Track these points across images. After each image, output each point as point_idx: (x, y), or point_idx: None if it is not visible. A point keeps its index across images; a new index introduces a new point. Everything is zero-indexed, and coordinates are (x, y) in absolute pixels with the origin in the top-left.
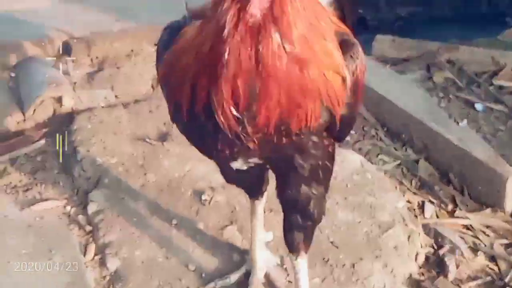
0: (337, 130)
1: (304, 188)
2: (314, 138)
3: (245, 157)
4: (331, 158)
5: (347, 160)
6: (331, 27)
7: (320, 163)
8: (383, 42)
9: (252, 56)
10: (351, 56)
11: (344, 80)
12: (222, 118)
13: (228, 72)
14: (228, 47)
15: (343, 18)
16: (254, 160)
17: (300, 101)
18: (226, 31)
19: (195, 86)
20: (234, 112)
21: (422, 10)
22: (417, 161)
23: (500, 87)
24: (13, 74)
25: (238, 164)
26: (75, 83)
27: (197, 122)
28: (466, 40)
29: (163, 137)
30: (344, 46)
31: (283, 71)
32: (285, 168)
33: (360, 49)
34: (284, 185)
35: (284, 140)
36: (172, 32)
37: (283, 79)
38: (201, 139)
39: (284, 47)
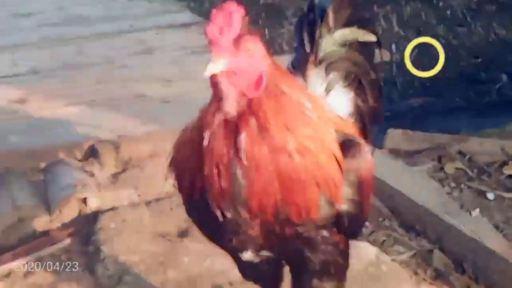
0: (346, 227)
1: (316, 283)
2: (324, 233)
3: (254, 249)
4: (344, 254)
5: (362, 252)
6: (327, 121)
7: (331, 258)
8: (395, 135)
9: (230, 146)
10: (354, 155)
11: (341, 167)
12: (214, 205)
13: (208, 161)
14: (207, 140)
15: (363, 130)
16: (265, 253)
17: (293, 189)
18: (205, 125)
19: (193, 176)
20: (221, 199)
21: (435, 101)
22: (431, 251)
23: (511, 176)
24: (42, 177)
25: (248, 256)
26: (100, 184)
27: (204, 213)
28: (478, 129)
29: (183, 234)
30: (347, 144)
31: (264, 160)
32: (296, 262)
33: (365, 148)
34: (296, 280)
35: (287, 230)
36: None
37: (265, 167)
38: (211, 230)
39: (263, 137)
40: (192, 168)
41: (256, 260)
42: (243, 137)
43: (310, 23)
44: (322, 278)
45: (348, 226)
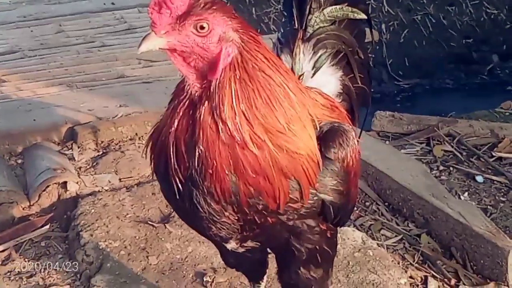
0: (332, 216)
1: (303, 271)
2: (309, 222)
3: (238, 239)
4: (331, 243)
5: (348, 238)
6: (308, 103)
7: (317, 247)
8: (383, 118)
9: (189, 126)
10: (341, 144)
11: (312, 152)
12: (174, 185)
13: (169, 139)
14: (169, 119)
15: (351, 111)
16: (250, 243)
17: (255, 177)
18: (171, 105)
19: (160, 154)
20: (178, 179)
21: (424, 82)
22: (419, 236)
23: (500, 159)
24: (20, 162)
25: (232, 246)
26: (80, 168)
27: (179, 199)
28: (468, 111)
29: (165, 219)
30: (332, 133)
31: (216, 147)
32: (283, 251)
33: (351, 135)
34: (283, 268)
35: (269, 219)
36: None
37: (222, 153)
38: (188, 217)
39: (216, 125)
40: (160, 142)
41: (240, 250)
42: (197, 121)
43: None
44: (309, 266)
45: (335, 216)
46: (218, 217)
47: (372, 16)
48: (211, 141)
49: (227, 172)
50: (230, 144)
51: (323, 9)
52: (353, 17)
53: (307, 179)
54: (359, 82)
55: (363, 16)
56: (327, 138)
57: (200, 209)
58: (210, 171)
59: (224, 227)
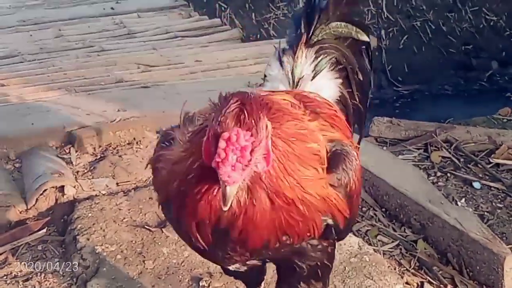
0: (334, 236)
1: (302, 286)
2: (313, 242)
3: (241, 261)
4: (331, 257)
5: (345, 243)
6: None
7: (319, 263)
8: (381, 124)
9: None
10: (344, 169)
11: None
12: (193, 237)
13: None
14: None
15: (349, 118)
16: (253, 262)
17: (294, 226)
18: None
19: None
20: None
21: (424, 88)
22: (415, 242)
23: (498, 165)
24: (18, 165)
25: (236, 267)
26: (77, 172)
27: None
28: (467, 117)
29: (162, 224)
30: (335, 159)
31: (264, 213)
32: (284, 266)
33: (353, 157)
34: (283, 281)
35: (282, 250)
36: (165, 139)
37: (264, 218)
38: (192, 247)
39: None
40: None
41: (243, 268)
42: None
43: (312, 8)
44: (309, 281)
45: (336, 234)
46: (232, 259)
47: (371, 22)
48: (260, 207)
49: (265, 235)
50: (272, 210)
51: (329, 23)
52: (356, 37)
53: (340, 213)
54: (356, 100)
55: (365, 38)
56: (330, 164)
57: (216, 253)
58: (246, 238)
59: (232, 261)
